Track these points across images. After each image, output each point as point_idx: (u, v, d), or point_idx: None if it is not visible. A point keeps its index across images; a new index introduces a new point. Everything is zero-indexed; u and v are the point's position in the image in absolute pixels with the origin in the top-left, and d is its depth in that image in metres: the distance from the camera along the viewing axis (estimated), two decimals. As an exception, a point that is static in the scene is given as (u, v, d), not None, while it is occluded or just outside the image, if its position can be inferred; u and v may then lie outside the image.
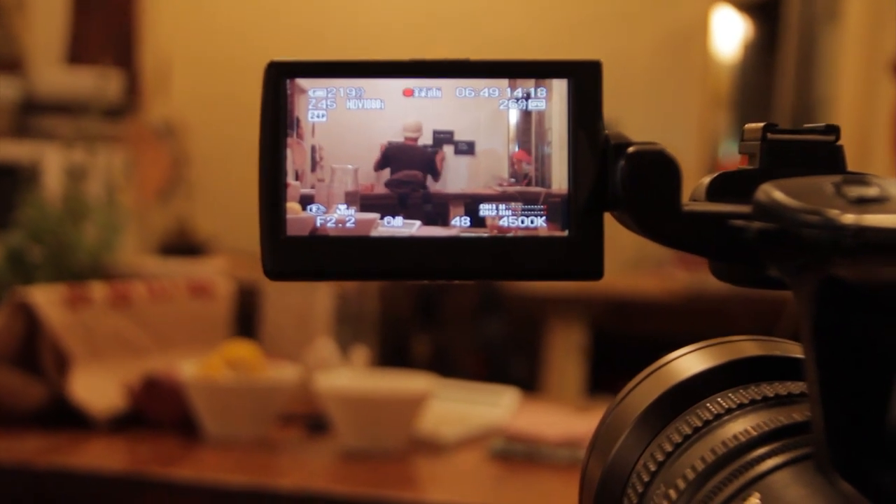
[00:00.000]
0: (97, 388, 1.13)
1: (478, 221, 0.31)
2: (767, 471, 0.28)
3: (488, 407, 1.14)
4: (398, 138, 0.31)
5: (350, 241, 0.31)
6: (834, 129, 0.33)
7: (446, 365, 2.61)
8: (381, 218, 0.31)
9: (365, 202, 0.31)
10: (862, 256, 0.25)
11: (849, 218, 0.25)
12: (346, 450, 1.02)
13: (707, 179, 0.32)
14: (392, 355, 2.55)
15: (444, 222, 0.31)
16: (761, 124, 0.33)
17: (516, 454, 0.99)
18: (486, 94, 0.31)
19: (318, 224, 0.31)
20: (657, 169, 0.29)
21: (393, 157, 0.31)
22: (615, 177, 0.29)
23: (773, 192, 0.27)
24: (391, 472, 0.98)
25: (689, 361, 0.34)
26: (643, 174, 0.28)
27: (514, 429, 1.00)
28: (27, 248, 1.33)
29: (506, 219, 0.31)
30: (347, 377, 1.11)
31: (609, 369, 3.01)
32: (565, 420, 1.02)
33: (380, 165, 0.31)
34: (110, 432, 1.09)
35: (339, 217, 0.31)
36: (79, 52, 2.64)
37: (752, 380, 0.33)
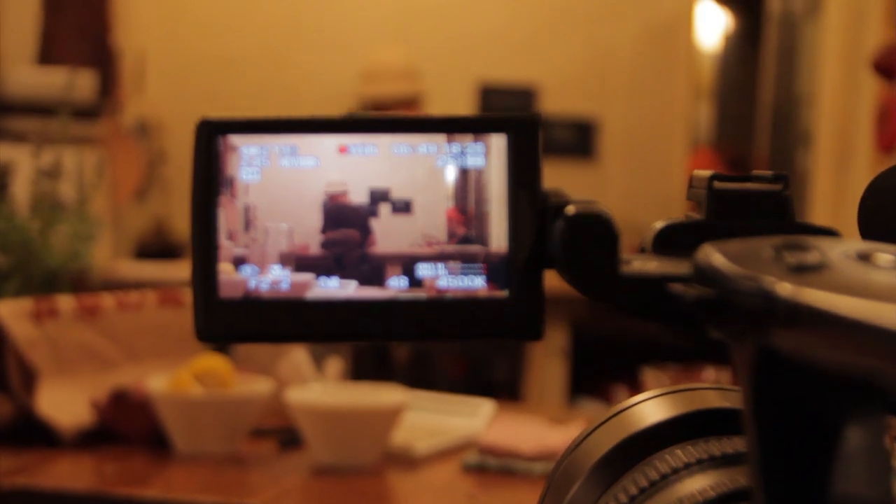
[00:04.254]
0: (65, 403, 1.12)
1: (415, 281, 0.30)
2: None
3: (463, 419, 1.14)
4: (327, 198, 0.30)
5: (284, 304, 0.30)
6: (782, 178, 0.33)
7: (427, 370, 2.61)
8: (317, 278, 0.30)
9: (300, 262, 0.30)
10: (798, 328, 0.24)
11: (785, 289, 0.24)
12: (319, 465, 1.01)
13: (657, 227, 0.31)
14: (372, 360, 2.54)
15: (381, 282, 0.30)
16: (708, 172, 0.33)
17: (490, 468, 0.98)
18: (424, 151, 0.30)
19: (252, 286, 0.30)
20: (594, 232, 0.28)
21: (328, 216, 0.30)
22: (554, 236, 0.29)
23: (713, 257, 0.26)
24: (364, 488, 0.97)
25: (648, 409, 0.34)
26: (581, 238, 0.28)
27: (489, 442, 0.99)
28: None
29: (444, 278, 0.30)
30: (320, 391, 1.10)
31: (591, 371, 3.01)
32: (541, 433, 1.02)
33: (313, 225, 0.30)
34: (78, 449, 1.07)
35: (273, 279, 0.30)
36: (51, 51, 2.61)
37: (712, 433, 0.32)
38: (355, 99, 2.95)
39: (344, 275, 0.30)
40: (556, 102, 3.81)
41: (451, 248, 0.30)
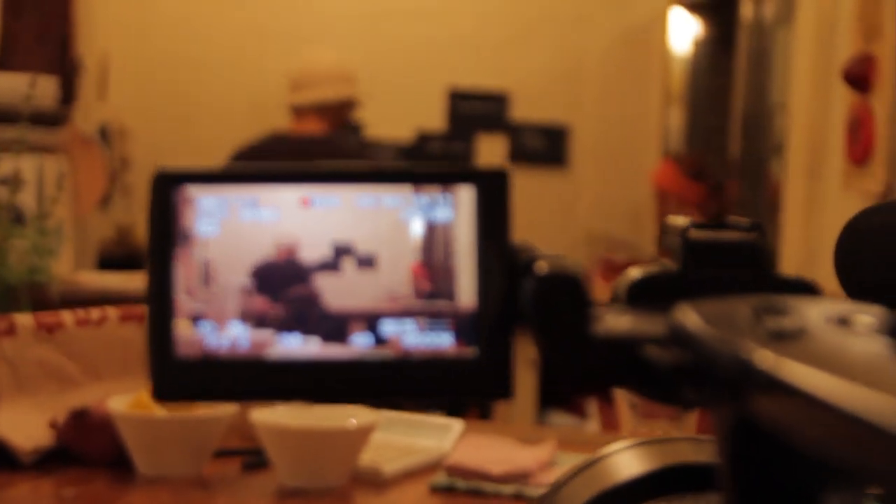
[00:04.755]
0: (23, 424, 1.09)
1: (380, 338, 0.29)
2: None
3: (432, 439, 1.12)
4: (289, 251, 0.29)
5: (244, 364, 0.29)
6: (757, 227, 0.32)
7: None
8: (278, 334, 0.29)
9: (260, 319, 0.29)
10: (775, 400, 0.24)
11: (763, 359, 0.24)
12: (285, 487, 1.00)
13: (631, 278, 0.31)
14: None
15: (344, 339, 0.29)
16: (684, 220, 0.32)
17: (459, 489, 0.97)
18: (389, 203, 0.29)
19: (210, 345, 0.29)
20: (565, 293, 0.27)
21: (288, 271, 0.29)
22: (524, 294, 0.28)
23: (690, 319, 0.25)
24: (330, 510, 0.95)
25: (624, 461, 0.33)
26: (551, 299, 0.27)
27: (457, 463, 0.98)
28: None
29: (410, 335, 0.29)
30: (286, 411, 1.08)
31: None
32: (510, 453, 1.01)
33: (272, 280, 0.29)
34: (37, 471, 1.05)
35: (232, 337, 0.29)
36: (10, 58, 2.56)
37: (687, 489, 0.32)
38: (285, 108, 2.83)
39: (306, 331, 0.29)
40: (527, 109, 3.81)
41: (418, 303, 0.29)
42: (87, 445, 1.07)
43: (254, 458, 1.07)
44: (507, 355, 0.29)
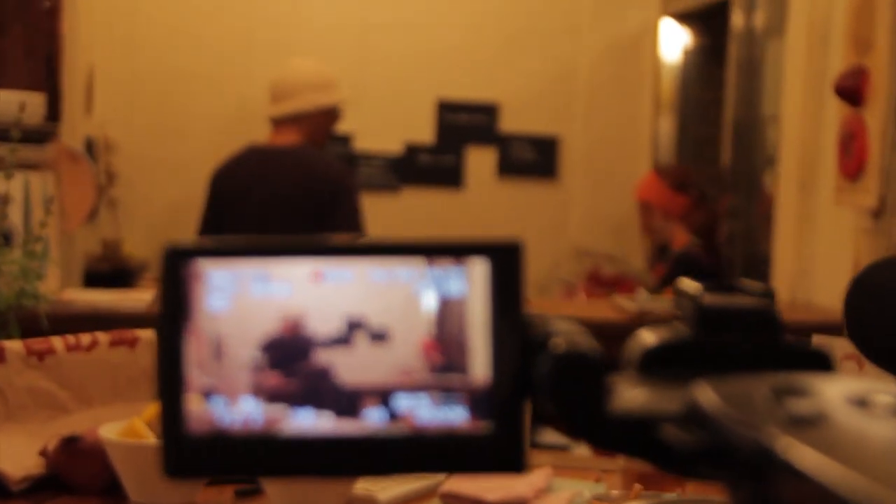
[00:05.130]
0: (14, 451, 1.08)
1: (394, 413, 0.29)
2: None
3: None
4: (301, 327, 0.29)
5: (257, 441, 0.28)
6: (769, 294, 0.32)
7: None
8: (291, 409, 0.29)
9: (272, 394, 0.29)
10: (793, 487, 0.24)
11: (783, 445, 0.24)
12: (278, 515, 0.99)
13: (645, 346, 0.30)
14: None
15: (358, 414, 0.29)
16: (697, 286, 0.32)
17: (453, 516, 0.97)
18: (402, 277, 0.29)
19: (222, 421, 0.29)
20: (582, 373, 0.27)
21: (299, 345, 0.29)
22: (539, 370, 0.28)
23: (709, 400, 0.25)
24: (324, 539, 0.95)
25: None
26: (568, 378, 0.27)
27: (452, 491, 0.98)
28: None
29: (424, 410, 0.29)
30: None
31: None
32: (506, 481, 1.01)
33: (284, 355, 0.29)
34: (27, 499, 1.04)
35: (245, 412, 0.29)
36: (-2, 74, 2.54)
37: None
38: (266, 118, 2.81)
39: (319, 406, 0.29)
40: (516, 120, 3.82)
41: (431, 377, 0.29)
42: (77, 473, 1.06)
43: (247, 486, 1.06)
44: (520, 429, 0.29)
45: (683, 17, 3.61)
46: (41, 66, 2.54)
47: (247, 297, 0.29)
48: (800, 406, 0.25)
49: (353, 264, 0.29)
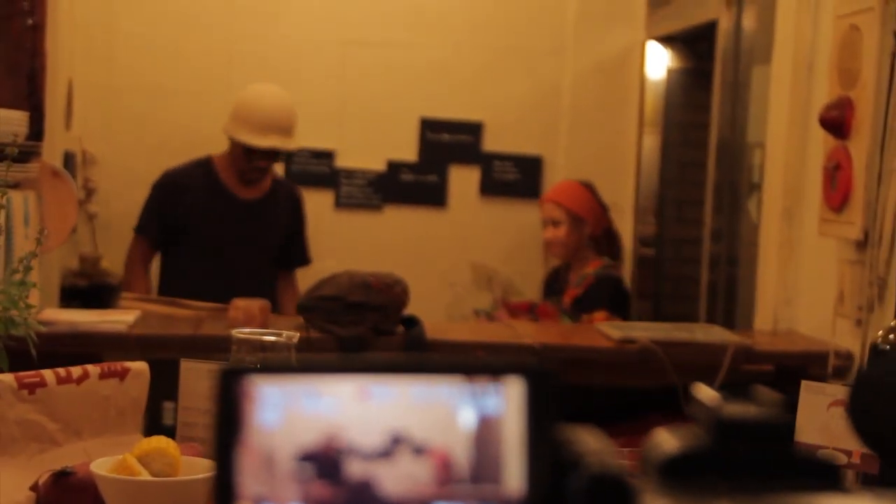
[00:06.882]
0: (4, 486, 1.08)
1: (434, 523, 0.31)
2: None
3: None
4: (347, 440, 0.31)
5: (305, 550, 0.30)
6: (785, 404, 0.34)
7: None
8: (337, 517, 0.31)
9: (319, 502, 0.31)
10: None
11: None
12: (269, 553, 1.00)
13: (662, 452, 0.32)
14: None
15: (400, 524, 0.31)
16: (714, 396, 0.34)
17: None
18: (443, 394, 0.31)
19: (273, 530, 0.30)
20: (613, 495, 0.29)
21: (345, 458, 0.31)
22: (571, 489, 0.30)
23: None
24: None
25: None
26: (601, 497, 0.29)
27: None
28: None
29: (462, 520, 0.31)
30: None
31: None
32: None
33: (332, 466, 0.31)
34: (18, 536, 1.04)
35: (294, 522, 0.31)
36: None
37: None
38: (234, 142, 2.86)
39: (363, 515, 0.31)
40: (500, 140, 3.83)
41: (468, 489, 0.31)
42: (68, 508, 1.07)
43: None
44: (552, 540, 0.31)
45: (669, 40, 3.65)
46: (23, 84, 2.53)
47: (297, 412, 0.31)
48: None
49: (397, 382, 0.31)
